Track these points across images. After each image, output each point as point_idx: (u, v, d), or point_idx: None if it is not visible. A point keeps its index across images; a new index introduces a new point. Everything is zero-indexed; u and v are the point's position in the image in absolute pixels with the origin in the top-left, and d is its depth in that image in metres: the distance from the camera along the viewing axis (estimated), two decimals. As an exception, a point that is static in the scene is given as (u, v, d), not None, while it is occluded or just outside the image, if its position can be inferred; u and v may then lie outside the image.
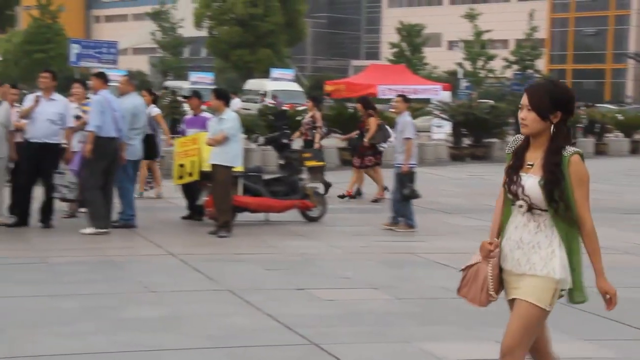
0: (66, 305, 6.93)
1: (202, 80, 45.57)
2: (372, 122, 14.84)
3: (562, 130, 3.84)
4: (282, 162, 12.45)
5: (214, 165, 10.72)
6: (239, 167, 10.99)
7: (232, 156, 10.69)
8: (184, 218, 12.11)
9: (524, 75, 52.59)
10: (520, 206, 3.87)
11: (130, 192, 11.28)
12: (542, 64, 65.32)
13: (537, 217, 3.86)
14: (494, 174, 20.94)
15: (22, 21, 70.22)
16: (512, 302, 3.97)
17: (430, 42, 64.31)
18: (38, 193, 11.15)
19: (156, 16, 66.00)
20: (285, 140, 12.56)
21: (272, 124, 14.02)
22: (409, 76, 33.90)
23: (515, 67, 53.17)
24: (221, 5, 60.56)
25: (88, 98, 11.60)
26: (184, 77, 57.80)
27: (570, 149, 3.82)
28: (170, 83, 50.46)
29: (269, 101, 36.22)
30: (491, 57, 52.74)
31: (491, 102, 32.15)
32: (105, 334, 6.10)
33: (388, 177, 13.66)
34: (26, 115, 10.86)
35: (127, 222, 11.11)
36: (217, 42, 60.26)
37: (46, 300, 7.11)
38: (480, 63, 53.05)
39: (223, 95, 10.90)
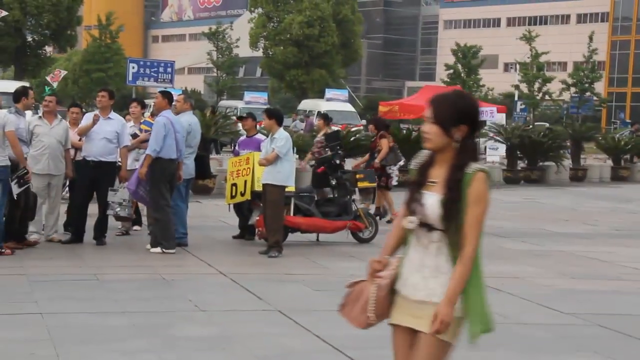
0: (117, 322, 7.01)
1: (256, 100, 45.96)
2: (384, 144, 14.58)
3: (468, 145, 3.54)
4: (334, 182, 12.45)
5: (265, 185, 10.77)
6: (290, 187, 11.02)
7: (284, 176, 10.73)
8: (235, 237, 12.18)
9: (581, 99, 51.87)
10: (411, 222, 3.56)
11: (183, 211, 11.39)
12: (601, 87, 64.44)
13: (438, 239, 3.55)
14: (548, 198, 20.65)
15: (82, 41, 71.82)
16: (397, 328, 3.67)
17: (487, 64, 63.91)
18: (92, 210, 11.32)
19: (213, 36, 66.84)
20: (337, 161, 12.57)
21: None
22: (464, 98, 33.64)
23: (573, 89, 52.49)
24: (277, 26, 61.13)
25: (145, 116, 11.78)
26: (238, 97, 58.39)
27: (474, 166, 3.51)
28: (225, 102, 50.97)
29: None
30: (548, 80, 52.15)
31: (547, 124, 31.79)
32: (156, 352, 6.14)
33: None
34: (83, 133, 11.06)
35: (179, 241, 11.20)
36: (272, 62, 60.76)
37: (98, 317, 7.20)
38: (537, 85, 52.49)
39: (275, 115, 10.97)
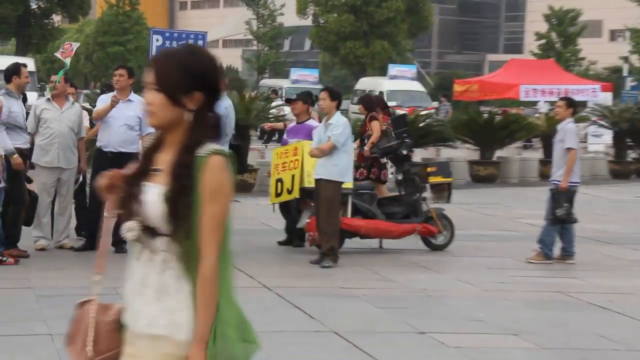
0: (141, 344, 7.09)
1: (305, 77, 46.07)
2: (375, 127, 13.82)
3: (204, 119, 3.17)
4: (400, 177, 12.44)
5: (318, 181, 10.81)
6: (348, 183, 11.05)
7: (341, 170, 10.77)
8: (281, 243, 12.25)
9: None
10: (130, 230, 3.22)
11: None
12: None
13: (163, 248, 3.18)
14: (667, 196, 20.34)
15: (97, 8, 72.73)
16: None
17: (588, 32, 63.15)
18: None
19: (252, 2, 67.21)
20: (404, 152, 12.55)
21: (388, 132, 13.97)
22: (559, 74, 33.31)
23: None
24: (329, -12, 61.14)
25: None
26: (283, 75, 58.62)
27: (210, 147, 3.14)
28: (267, 82, 51.27)
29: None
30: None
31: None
32: (186, 379, 6.20)
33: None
34: (100, 118, 11.17)
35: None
36: (324, 33, 60.80)
37: (118, 337, 7.29)
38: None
39: (338, 96, 11.01)
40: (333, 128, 10.78)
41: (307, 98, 12.45)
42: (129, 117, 11.08)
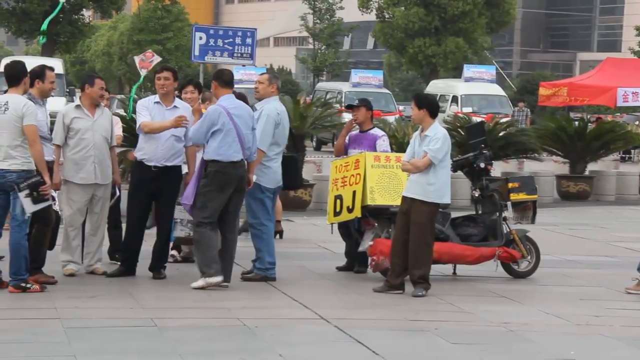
0: (182, 383, 7.14)
1: (368, 80, 46.05)
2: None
3: None
4: (477, 194, 12.38)
5: (411, 201, 10.77)
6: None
7: (438, 189, 10.77)
8: (341, 269, 12.25)
9: None
10: None
11: (270, 233, 11.52)
12: None
13: None
14: None
15: (132, 2, 73.52)
16: None
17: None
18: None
19: (307, -6, 67.39)
20: (482, 165, 12.50)
21: (463, 142, 13.95)
22: (662, 75, 32.88)
23: None
24: (396, -21, 61.13)
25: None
26: (342, 77, 58.69)
27: None
28: (324, 85, 51.39)
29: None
30: None
31: None
32: None
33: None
34: (152, 133, 11.12)
35: (264, 274, 11.35)
36: (390, 29, 60.80)
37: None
38: None
39: (427, 104, 11.00)
40: (430, 141, 10.77)
41: (370, 104, 12.50)
42: (176, 128, 11.14)
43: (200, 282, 10.69)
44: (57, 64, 36.37)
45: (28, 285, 10.17)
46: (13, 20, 51.86)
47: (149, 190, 11.22)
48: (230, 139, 10.74)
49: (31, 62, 11.13)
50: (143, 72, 13.12)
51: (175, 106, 11.26)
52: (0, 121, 10.13)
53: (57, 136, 11.10)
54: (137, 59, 13.58)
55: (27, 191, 10.04)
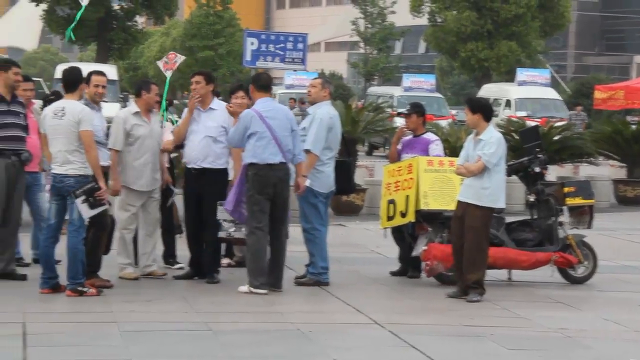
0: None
1: (420, 84, 45.99)
2: None
3: None
4: (532, 199, 12.33)
5: (466, 205, 10.77)
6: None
7: (492, 194, 10.77)
8: (394, 274, 12.26)
9: None
10: None
11: (323, 238, 11.55)
12: None
13: None
14: None
15: (184, 8, 73.99)
16: None
17: None
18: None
19: (359, -1, 67.38)
20: (537, 169, 12.45)
21: (517, 146, 13.90)
22: None
23: None
24: (449, -17, 60.93)
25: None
26: (393, 81, 58.61)
27: None
28: (375, 89, 51.38)
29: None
30: None
31: None
32: None
33: None
34: (181, 139, 11.40)
35: (317, 278, 11.38)
36: (442, 33, 60.64)
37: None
38: None
39: (482, 108, 11.00)
40: (484, 145, 10.77)
41: (423, 109, 12.53)
42: (210, 128, 11.28)
43: (246, 289, 10.78)
44: (111, 70, 36.78)
45: (85, 289, 10.29)
46: (68, 27, 52.27)
47: (194, 193, 11.36)
48: (265, 142, 10.83)
49: (85, 69, 11.27)
50: (168, 74, 13.25)
51: (210, 108, 11.40)
52: (57, 127, 10.30)
53: (118, 142, 11.23)
54: (160, 63, 13.70)
55: (83, 197, 10.20)
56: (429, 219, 11.60)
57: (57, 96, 12.42)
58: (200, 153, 11.28)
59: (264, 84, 11.23)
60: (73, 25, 16.61)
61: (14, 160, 10.92)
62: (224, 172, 11.44)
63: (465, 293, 10.84)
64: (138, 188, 11.24)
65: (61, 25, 51.42)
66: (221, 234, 11.42)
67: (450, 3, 59.87)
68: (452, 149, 17.04)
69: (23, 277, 11.04)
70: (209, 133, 11.26)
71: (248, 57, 30.65)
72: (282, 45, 31.43)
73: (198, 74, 11.57)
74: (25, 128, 11.05)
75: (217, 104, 11.52)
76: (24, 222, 11.59)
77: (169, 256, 12.10)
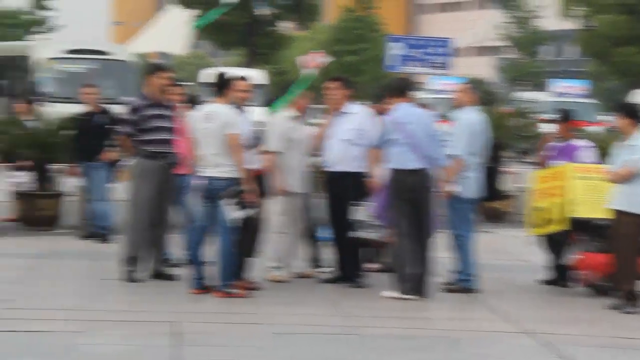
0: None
1: (571, 90, 45.26)
2: None
3: None
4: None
5: (616, 213, 10.60)
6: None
7: None
8: (544, 282, 12.09)
9: None
10: None
11: (469, 244, 11.47)
12: None
13: None
14: None
15: (329, 13, 74.35)
16: None
17: None
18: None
19: (506, 3, 66.86)
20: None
21: None
22: None
23: None
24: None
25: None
26: (542, 86, 57.77)
27: None
28: (524, 94, 50.77)
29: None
30: None
31: None
32: None
33: None
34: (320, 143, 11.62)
35: (464, 285, 11.31)
36: (594, 37, 59.51)
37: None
38: None
39: (632, 113, 10.80)
40: (632, 150, 10.60)
41: (569, 115, 12.42)
42: (345, 132, 11.39)
43: (392, 294, 10.79)
44: (260, 75, 37.31)
45: (233, 291, 10.45)
46: (218, 33, 53.27)
47: (335, 195, 11.46)
48: (403, 147, 10.83)
49: (234, 74, 11.54)
50: (309, 72, 13.37)
51: (347, 112, 11.50)
52: (206, 130, 10.51)
53: (277, 144, 11.47)
54: (304, 59, 13.79)
55: (231, 199, 10.37)
56: (580, 227, 11.40)
57: (193, 102, 12.69)
58: (335, 156, 11.43)
59: (400, 88, 11.31)
60: (206, 18, 16.84)
61: (164, 163, 11.23)
62: (357, 175, 11.48)
63: (622, 304, 10.61)
64: (294, 190, 11.45)
65: (209, 31, 52.40)
66: (358, 234, 11.45)
67: (602, 7, 58.72)
68: (604, 156, 16.72)
69: (173, 278, 11.29)
70: (344, 136, 11.39)
71: (390, 62, 30.59)
72: (425, 50, 31.22)
73: (333, 80, 11.75)
74: (173, 131, 11.34)
75: (354, 107, 11.63)
76: (174, 223, 11.84)
77: (315, 259, 12.21)
